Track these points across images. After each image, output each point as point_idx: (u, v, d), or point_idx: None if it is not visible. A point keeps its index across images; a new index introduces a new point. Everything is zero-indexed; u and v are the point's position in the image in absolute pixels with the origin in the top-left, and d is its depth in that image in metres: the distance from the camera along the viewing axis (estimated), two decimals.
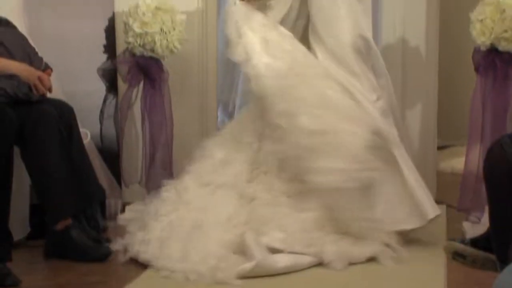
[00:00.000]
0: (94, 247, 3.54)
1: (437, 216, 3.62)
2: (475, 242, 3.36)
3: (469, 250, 3.34)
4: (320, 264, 3.38)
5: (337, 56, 3.67)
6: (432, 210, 3.60)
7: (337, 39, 3.67)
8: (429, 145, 4.61)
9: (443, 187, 4.54)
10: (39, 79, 3.60)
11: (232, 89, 5.67)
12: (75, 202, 3.54)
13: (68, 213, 3.53)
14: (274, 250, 3.36)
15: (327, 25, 3.69)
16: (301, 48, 3.71)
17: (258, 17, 3.69)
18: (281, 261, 3.30)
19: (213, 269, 3.21)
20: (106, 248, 3.56)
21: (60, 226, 3.51)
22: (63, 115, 3.66)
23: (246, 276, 3.22)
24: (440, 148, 4.98)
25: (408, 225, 3.59)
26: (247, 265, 3.23)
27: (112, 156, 4.25)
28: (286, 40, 3.69)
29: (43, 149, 3.47)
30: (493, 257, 3.12)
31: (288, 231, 3.42)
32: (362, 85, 3.66)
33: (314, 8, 3.71)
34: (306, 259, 3.36)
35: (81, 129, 3.81)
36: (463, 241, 3.41)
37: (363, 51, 3.69)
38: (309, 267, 3.37)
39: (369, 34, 3.75)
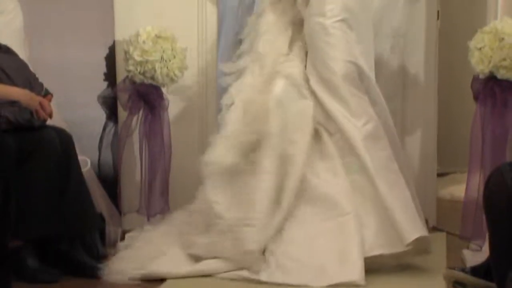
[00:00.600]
0: (41, 270, 3.58)
1: (422, 238, 3.55)
2: (475, 271, 3.35)
3: (469, 278, 3.33)
4: None
5: (326, 82, 3.70)
6: (412, 232, 3.52)
7: (328, 66, 3.70)
8: (429, 172, 4.61)
9: (443, 214, 4.53)
10: (40, 104, 3.62)
11: None
12: (46, 228, 3.54)
13: (28, 235, 3.54)
14: None
15: (318, 52, 3.71)
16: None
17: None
18: None
19: None
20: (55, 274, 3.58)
21: (14, 243, 3.52)
22: (63, 142, 3.67)
23: None
24: (440, 175, 4.98)
25: (385, 250, 3.55)
26: None
27: (112, 184, 4.25)
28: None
29: (38, 175, 3.51)
30: (493, 286, 3.11)
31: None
32: (350, 110, 3.67)
33: (307, 35, 3.75)
34: None
35: (81, 157, 3.82)
36: (463, 270, 3.40)
37: (356, 78, 3.70)
38: None
39: (362, 62, 3.75)
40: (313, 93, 3.73)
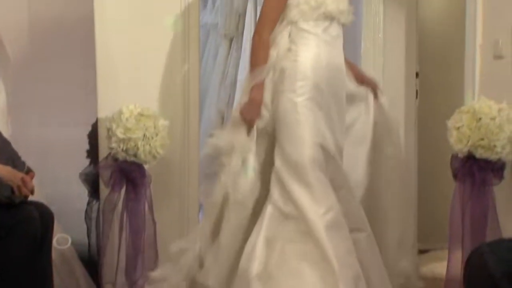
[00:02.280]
0: None
1: None
2: None
3: None
4: None
5: (292, 165, 3.63)
6: None
7: (295, 146, 3.65)
8: (409, 249, 4.60)
9: None
10: (22, 181, 3.63)
11: None
12: None
13: None
14: None
15: (288, 129, 3.69)
16: None
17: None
18: None
19: None
20: None
21: None
22: (43, 218, 3.67)
23: None
24: (421, 252, 4.97)
25: None
26: None
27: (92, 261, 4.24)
28: None
29: (17, 252, 3.49)
30: None
31: None
32: (314, 196, 3.60)
33: (279, 112, 3.71)
34: None
35: (62, 234, 3.81)
36: None
37: (322, 161, 3.66)
38: None
39: (330, 143, 3.72)
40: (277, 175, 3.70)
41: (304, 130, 3.65)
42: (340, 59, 3.82)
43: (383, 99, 3.98)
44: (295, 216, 3.58)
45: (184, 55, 4.48)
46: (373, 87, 3.99)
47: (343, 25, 3.82)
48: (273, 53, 3.73)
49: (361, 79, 3.97)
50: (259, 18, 3.84)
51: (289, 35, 3.75)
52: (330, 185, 3.65)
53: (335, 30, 3.79)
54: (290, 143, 3.66)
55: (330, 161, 3.69)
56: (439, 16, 5.63)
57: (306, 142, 3.64)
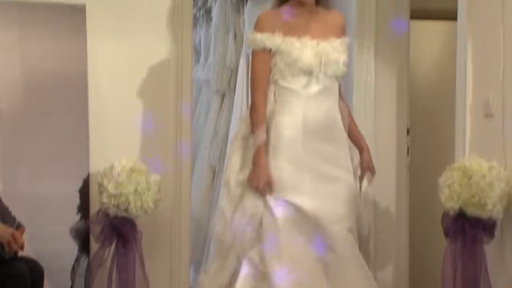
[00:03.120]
0: None
1: None
2: None
3: None
4: None
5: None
6: None
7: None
8: None
9: None
10: (12, 236, 3.61)
11: (204, 248, 5.68)
12: None
13: None
14: None
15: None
16: None
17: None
18: None
19: None
20: None
21: None
22: (33, 274, 3.64)
23: None
24: None
25: None
26: None
27: None
28: None
29: None
30: None
31: None
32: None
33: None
34: None
35: None
36: None
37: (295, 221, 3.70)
38: None
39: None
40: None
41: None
42: (326, 115, 3.77)
43: (370, 189, 3.97)
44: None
45: (177, 111, 4.50)
46: (368, 169, 3.92)
47: (335, 77, 3.80)
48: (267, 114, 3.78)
49: (361, 150, 3.92)
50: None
51: (274, 95, 3.77)
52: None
53: (320, 84, 3.76)
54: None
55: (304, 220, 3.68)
56: (430, 74, 5.68)
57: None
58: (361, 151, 3.91)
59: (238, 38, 5.92)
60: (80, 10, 4.30)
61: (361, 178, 3.89)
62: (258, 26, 3.80)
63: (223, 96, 5.99)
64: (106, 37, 4.37)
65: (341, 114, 3.86)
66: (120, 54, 4.40)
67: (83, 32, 4.30)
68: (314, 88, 3.75)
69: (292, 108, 3.74)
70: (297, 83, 3.74)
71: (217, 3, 6.04)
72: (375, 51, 4.80)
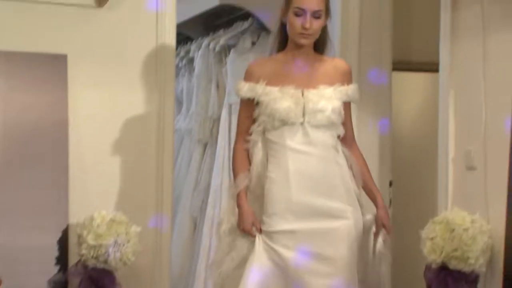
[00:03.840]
0: None
1: None
2: None
3: None
4: None
5: None
6: None
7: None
8: None
9: None
10: None
11: None
12: None
13: None
14: None
15: None
16: None
17: None
18: None
19: None
20: None
21: None
22: None
23: None
24: None
25: None
26: None
27: None
28: None
29: None
30: None
31: None
32: None
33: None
34: None
35: None
36: None
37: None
38: None
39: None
40: None
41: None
42: (317, 167, 3.63)
43: (385, 248, 3.77)
44: None
45: (158, 161, 4.48)
46: (383, 226, 3.75)
47: (325, 127, 3.66)
48: (252, 163, 3.73)
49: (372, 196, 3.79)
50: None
51: (261, 147, 3.71)
52: None
53: (307, 135, 3.65)
54: None
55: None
56: (413, 125, 5.70)
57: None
58: (376, 206, 3.76)
59: (220, 88, 5.93)
60: (61, 60, 4.29)
61: (375, 236, 3.75)
62: (245, 75, 3.76)
63: (205, 146, 5.98)
64: (87, 87, 4.35)
65: (352, 165, 3.75)
66: (101, 104, 4.39)
67: (65, 81, 4.28)
68: (300, 139, 3.65)
69: (279, 162, 3.65)
70: (281, 135, 3.66)
71: (199, 53, 6.06)
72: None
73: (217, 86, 5.94)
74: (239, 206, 3.68)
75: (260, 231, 3.64)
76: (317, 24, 3.67)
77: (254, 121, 3.74)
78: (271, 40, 3.87)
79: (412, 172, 5.49)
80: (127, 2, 4.43)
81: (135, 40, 4.47)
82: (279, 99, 3.65)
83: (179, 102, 6.25)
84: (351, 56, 4.83)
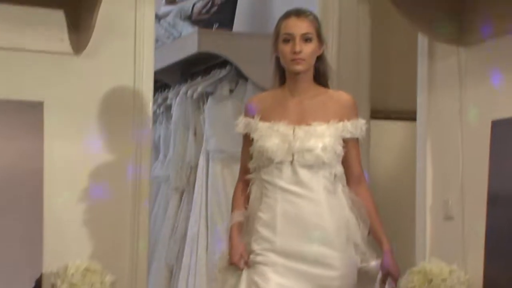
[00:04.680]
0: None
1: None
2: None
3: None
4: None
5: None
6: None
7: None
8: None
9: None
10: None
11: None
12: None
13: None
14: None
15: None
16: None
17: None
18: None
19: None
20: None
21: None
22: None
23: None
24: None
25: None
26: None
27: None
28: None
29: None
30: None
31: None
32: None
33: None
34: None
35: None
36: None
37: None
38: None
39: None
40: None
41: None
42: (306, 210, 3.47)
43: None
44: None
45: (134, 209, 4.44)
46: (388, 273, 3.61)
47: (317, 167, 3.49)
48: (250, 201, 3.64)
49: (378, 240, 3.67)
50: None
51: (257, 184, 3.59)
52: None
53: (296, 174, 3.48)
54: None
55: None
56: (390, 174, 5.70)
57: None
58: (382, 250, 3.64)
59: (198, 135, 5.91)
60: (37, 107, 4.26)
61: (381, 283, 3.62)
62: (244, 110, 3.67)
63: (182, 193, 5.95)
64: (63, 135, 4.32)
65: (356, 207, 3.60)
66: (78, 152, 4.35)
67: (40, 129, 4.25)
68: (289, 179, 3.48)
69: (270, 202, 3.51)
70: (272, 174, 3.51)
71: (177, 100, 6.06)
72: None
73: (195, 134, 5.93)
74: (230, 239, 3.60)
75: (247, 265, 3.54)
76: (308, 48, 3.52)
77: (251, 157, 3.62)
78: (272, 77, 3.70)
79: (389, 222, 5.46)
80: (104, 49, 4.42)
81: (112, 87, 4.45)
82: (268, 136, 3.52)
83: (156, 149, 6.23)
84: None
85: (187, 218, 5.80)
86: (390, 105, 5.58)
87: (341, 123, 3.56)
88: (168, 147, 6.20)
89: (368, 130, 4.87)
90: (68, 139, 4.34)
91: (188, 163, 5.90)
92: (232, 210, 3.69)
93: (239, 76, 5.83)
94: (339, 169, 3.58)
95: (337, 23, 4.88)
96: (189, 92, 5.95)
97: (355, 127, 3.60)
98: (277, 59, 3.62)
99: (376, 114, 5.28)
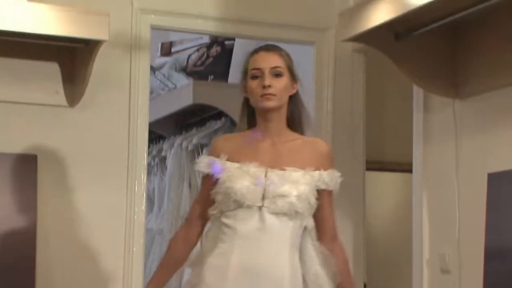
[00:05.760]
0: None
1: None
2: None
3: None
4: None
5: None
6: None
7: None
8: None
9: None
10: None
11: None
12: None
13: None
14: None
15: None
16: None
17: None
18: None
19: None
20: None
21: None
22: None
23: None
24: None
25: None
26: None
27: None
28: None
29: None
30: None
31: None
32: None
33: None
34: None
35: None
36: None
37: None
38: None
39: None
40: None
41: None
42: (264, 261, 3.07)
43: None
44: None
45: (128, 262, 4.40)
46: None
47: (288, 215, 3.08)
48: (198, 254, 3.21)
49: None
50: None
51: (213, 234, 3.16)
52: None
53: (263, 222, 3.07)
54: None
55: None
56: (387, 226, 5.68)
57: None
58: None
59: (193, 187, 5.88)
60: (31, 160, 4.23)
61: None
62: (208, 149, 3.33)
63: None
64: (57, 188, 4.30)
65: (327, 264, 3.16)
66: (71, 204, 4.32)
67: (34, 182, 4.22)
68: (253, 225, 3.08)
69: (226, 249, 3.09)
70: (234, 218, 3.09)
71: (172, 152, 6.04)
72: None
73: (190, 186, 5.90)
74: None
75: None
76: (279, 83, 3.16)
77: (212, 202, 3.17)
78: (238, 119, 3.34)
79: (386, 274, 5.44)
80: (99, 101, 4.41)
81: (106, 140, 4.44)
82: (237, 176, 3.11)
83: (150, 201, 6.19)
84: None
85: (181, 272, 5.73)
86: (385, 156, 5.57)
87: (317, 172, 3.17)
88: (162, 199, 6.17)
89: (363, 181, 4.92)
90: (61, 191, 4.31)
91: (183, 216, 5.86)
92: (159, 266, 3.33)
93: (235, 128, 5.81)
94: (311, 222, 3.19)
95: (332, 74, 4.88)
96: (184, 144, 5.94)
97: (331, 178, 3.20)
98: (246, 100, 3.26)
99: (371, 165, 5.26)
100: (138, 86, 4.51)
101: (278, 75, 3.18)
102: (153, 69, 6.09)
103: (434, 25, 3.87)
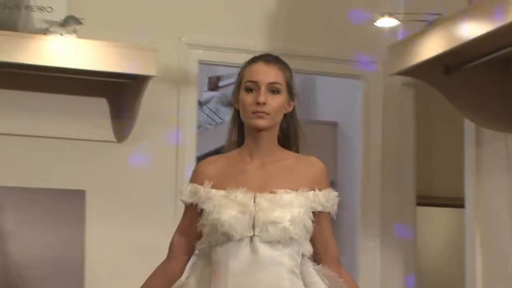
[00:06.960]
0: None
1: None
2: None
3: None
4: None
5: None
6: None
7: None
8: None
9: None
10: None
11: None
12: None
13: None
14: None
15: None
16: None
17: None
18: None
19: None
20: None
21: None
22: None
23: None
24: None
25: None
26: None
27: None
28: None
29: None
30: None
31: None
32: None
33: None
34: None
35: None
36: None
37: None
38: None
39: None
40: None
41: None
42: None
43: None
44: None
45: None
46: None
47: (282, 243, 2.74)
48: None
49: None
50: None
51: (202, 272, 2.85)
52: None
53: (256, 252, 2.73)
54: None
55: None
56: (438, 263, 5.57)
57: None
58: None
59: None
60: (79, 196, 4.24)
61: None
62: (191, 176, 2.93)
63: None
64: (106, 223, 4.30)
65: (333, 285, 2.83)
66: (120, 240, 4.32)
67: (82, 218, 4.22)
68: (246, 259, 2.75)
69: (216, 284, 2.76)
70: (225, 253, 2.76)
71: None
72: (381, 249, 4.73)
73: None
74: None
75: None
76: (275, 101, 2.83)
77: (200, 235, 2.85)
78: (227, 133, 2.97)
79: None
80: (147, 137, 4.42)
81: (154, 175, 4.44)
82: (224, 206, 2.78)
83: None
84: (374, 208, 4.77)
85: None
86: (437, 191, 5.48)
87: (311, 193, 2.85)
88: None
89: (414, 217, 4.85)
90: (110, 227, 4.31)
91: None
92: None
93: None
94: (308, 248, 2.85)
95: (381, 108, 4.84)
96: None
97: (327, 198, 2.87)
98: (237, 112, 2.93)
99: (422, 200, 5.18)
100: (186, 121, 4.51)
101: (275, 91, 2.86)
102: (200, 104, 6.10)
103: (485, 58, 3.82)
